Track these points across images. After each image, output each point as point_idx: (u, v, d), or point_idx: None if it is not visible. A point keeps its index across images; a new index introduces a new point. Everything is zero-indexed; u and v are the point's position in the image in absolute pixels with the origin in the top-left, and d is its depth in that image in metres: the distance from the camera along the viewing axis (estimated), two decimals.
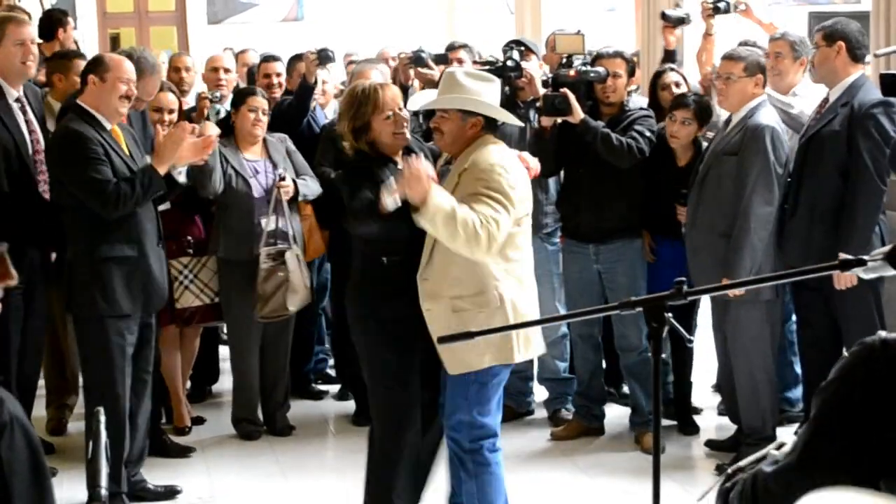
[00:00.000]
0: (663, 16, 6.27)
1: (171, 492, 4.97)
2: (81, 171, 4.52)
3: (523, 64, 5.45)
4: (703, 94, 5.64)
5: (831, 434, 1.58)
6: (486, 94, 3.97)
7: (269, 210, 5.50)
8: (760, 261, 4.85)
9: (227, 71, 6.48)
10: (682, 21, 6.28)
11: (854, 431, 1.54)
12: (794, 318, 5.50)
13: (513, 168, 3.93)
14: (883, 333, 1.60)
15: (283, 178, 5.50)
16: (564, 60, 5.36)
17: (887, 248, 1.98)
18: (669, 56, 6.10)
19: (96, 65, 4.69)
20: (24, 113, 4.86)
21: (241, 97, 5.65)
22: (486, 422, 3.97)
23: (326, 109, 6.51)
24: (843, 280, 4.71)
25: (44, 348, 5.28)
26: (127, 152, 4.70)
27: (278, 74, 6.44)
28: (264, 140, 5.66)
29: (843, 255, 2.17)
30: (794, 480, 1.63)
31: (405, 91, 6.50)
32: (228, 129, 5.64)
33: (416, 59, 6.31)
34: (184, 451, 5.46)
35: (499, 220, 3.79)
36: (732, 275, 4.71)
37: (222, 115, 6.12)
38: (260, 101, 5.57)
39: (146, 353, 4.83)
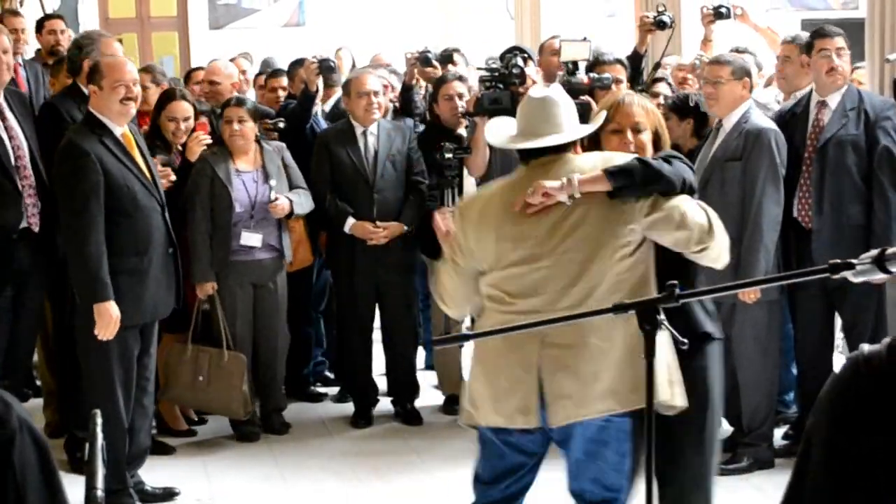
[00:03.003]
0: (660, 24, 6.07)
1: (170, 493, 5.00)
2: (65, 192, 4.61)
3: (526, 70, 5.50)
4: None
5: (823, 449, 1.62)
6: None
7: (252, 224, 5.53)
8: (772, 261, 4.90)
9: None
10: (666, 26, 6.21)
11: (843, 442, 1.58)
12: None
13: (461, 211, 3.55)
14: (866, 347, 1.63)
15: (274, 200, 5.51)
16: (571, 67, 5.39)
17: (875, 251, 1.99)
18: (639, 59, 5.99)
19: (93, 73, 4.71)
20: (4, 119, 4.91)
21: (220, 114, 5.66)
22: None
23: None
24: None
25: (34, 349, 5.35)
26: (138, 156, 4.72)
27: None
28: (261, 149, 5.67)
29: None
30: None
31: (409, 90, 6.56)
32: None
33: (424, 60, 6.37)
34: (167, 450, 5.50)
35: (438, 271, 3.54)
36: (748, 277, 4.71)
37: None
38: (233, 111, 5.53)
39: (146, 359, 4.86)
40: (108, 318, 4.54)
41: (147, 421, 4.96)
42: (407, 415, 5.96)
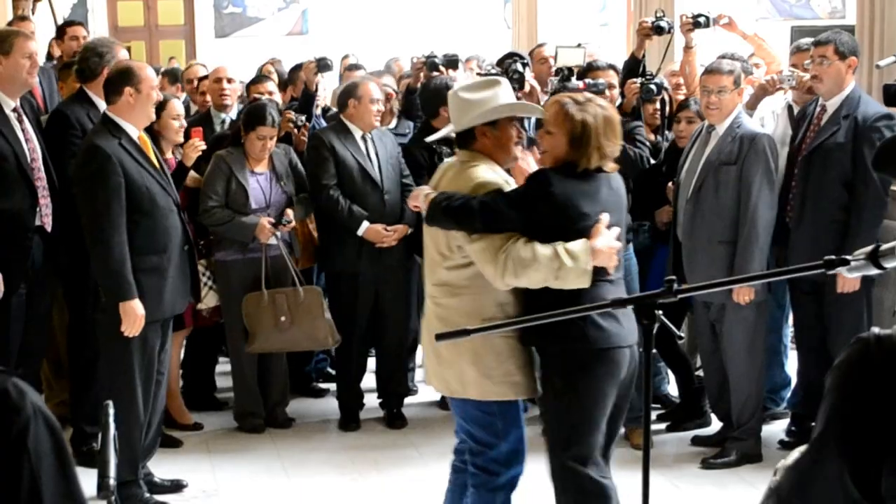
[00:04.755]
0: (658, 29, 6.12)
1: (177, 486, 5.11)
2: (87, 194, 4.68)
3: (525, 75, 5.65)
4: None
5: (838, 434, 1.63)
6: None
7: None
8: (765, 263, 5.00)
9: (230, 81, 6.69)
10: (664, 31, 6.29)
11: (858, 429, 1.59)
12: (790, 321, 5.66)
13: None
14: (876, 329, 1.63)
15: (287, 222, 5.68)
16: (566, 72, 5.50)
17: (869, 247, 2.00)
18: (637, 64, 6.05)
19: (130, 77, 4.73)
20: (21, 122, 5.04)
21: (251, 123, 5.68)
22: None
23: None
24: (849, 285, 4.87)
25: (45, 348, 5.46)
26: (153, 157, 4.82)
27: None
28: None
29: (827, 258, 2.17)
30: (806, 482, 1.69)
31: (413, 93, 6.69)
32: (238, 140, 5.77)
33: (430, 65, 6.51)
34: (174, 443, 5.62)
35: None
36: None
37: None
38: (269, 131, 5.65)
39: (163, 355, 4.96)
40: (133, 317, 4.65)
41: (160, 415, 5.06)
42: (391, 417, 6.00)
